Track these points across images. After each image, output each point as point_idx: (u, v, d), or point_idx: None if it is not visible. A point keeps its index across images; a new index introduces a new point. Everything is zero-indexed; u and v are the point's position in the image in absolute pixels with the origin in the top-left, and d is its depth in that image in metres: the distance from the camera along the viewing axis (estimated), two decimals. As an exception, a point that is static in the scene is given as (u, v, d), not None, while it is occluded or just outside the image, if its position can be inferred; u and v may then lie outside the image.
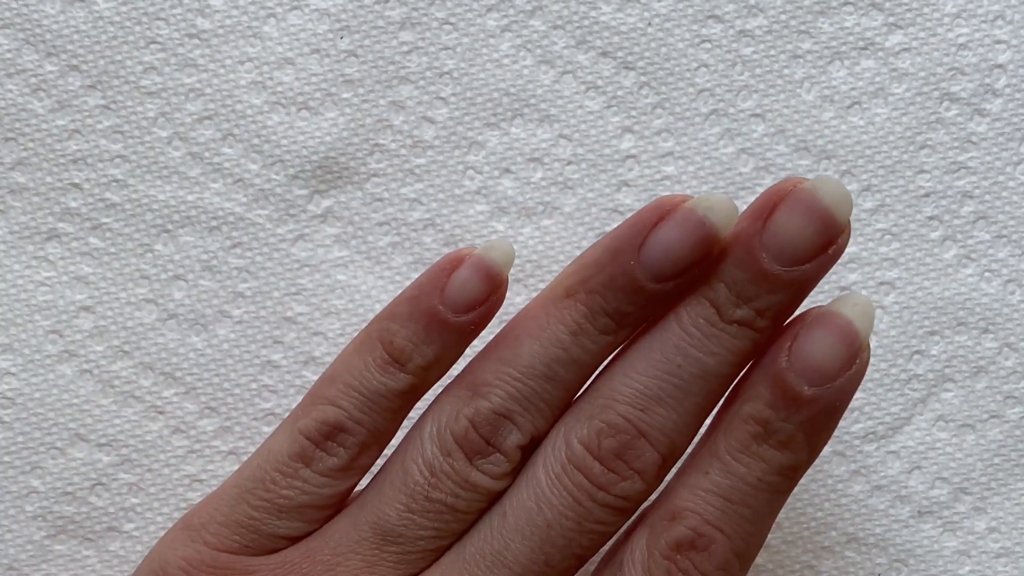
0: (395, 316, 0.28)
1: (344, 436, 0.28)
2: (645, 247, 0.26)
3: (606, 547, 0.28)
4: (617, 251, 0.27)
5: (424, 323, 0.28)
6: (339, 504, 0.28)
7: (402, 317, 0.28)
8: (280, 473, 0.28)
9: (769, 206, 0.26)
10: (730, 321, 0.26)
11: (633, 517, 0.28)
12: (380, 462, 0.29)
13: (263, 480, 0.28)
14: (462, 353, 0.28)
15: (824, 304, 0.27)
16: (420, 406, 0.29)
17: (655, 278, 0.26)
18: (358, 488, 0.29)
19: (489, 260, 0.28)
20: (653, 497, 0.28)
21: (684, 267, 0.26)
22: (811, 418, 0.26)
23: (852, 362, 0.26)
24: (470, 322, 0.28)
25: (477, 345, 0.29)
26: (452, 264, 0.28)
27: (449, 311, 0.27)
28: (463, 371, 0.28)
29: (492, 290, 0.28)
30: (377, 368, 0.28)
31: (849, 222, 0.26)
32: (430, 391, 0.29)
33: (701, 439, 0.28)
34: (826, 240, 0.26)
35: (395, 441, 0.29)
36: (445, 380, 0.29)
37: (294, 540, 0.28)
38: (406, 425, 0.29)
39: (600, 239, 0.28)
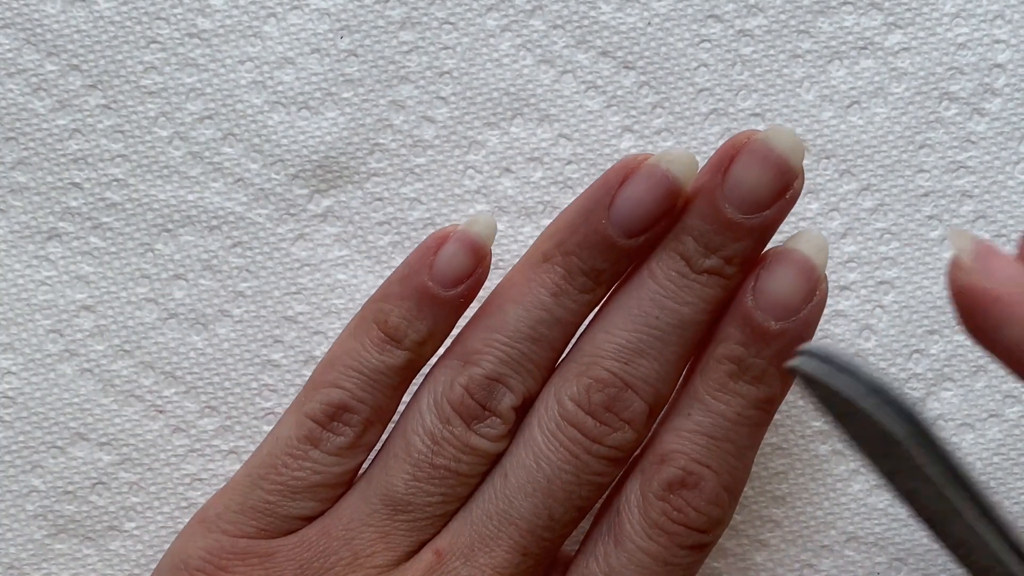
0: (387, 296, 0.29)
1: (349, 415, 0.29)
2: (614, 204, 0.28)
3: (602, 499, 0.29)
4: (588, 211, 0.28)
5: (416, 300, 0.29)
6: (349, 482, 0.29)
7: (394, 296, 0.29)
8: (290, 456, 0.29)
9: (727, 159, 0.27)
10: (700, 271, 0.28)
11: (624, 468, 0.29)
12: (384, 439, 0.30)
13: (275, 465, 0.29)
14: (454, 325, 0.29)
15: (780, 244, 0.28)
16: (415, 383, 0.30)
17: (626, 233, 0.28)
18: (364, 466, 0.30)
19: (473, 234, 0.29)
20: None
21: (652, 220, 0.28)
22: (780, 351, 0.28)
23: (812, 293, 0.28)
24: (459, 295, 0.29)
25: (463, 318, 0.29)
26: (438, 242, 0.29)
27: (439, 286, 0.29)
28: (453, 342, 0.30)
29: (478, 262, 0.29)
30: (375, 347, 0.29)
31: (802, 167, 0.28)
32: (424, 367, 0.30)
33: (680, 384, 0.29)
34: (782, 186, 0.27)
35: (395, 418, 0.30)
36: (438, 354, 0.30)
37: (309, 520, 0.29)
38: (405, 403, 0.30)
39: (571, 203, 0.29)
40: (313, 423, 0.29)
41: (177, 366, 0.33)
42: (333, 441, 0.29)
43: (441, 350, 0.30)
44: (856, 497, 0.33)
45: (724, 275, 0.28)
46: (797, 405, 0.33)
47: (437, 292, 0.29)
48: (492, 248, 0.29)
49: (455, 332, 0.30)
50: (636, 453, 0.29)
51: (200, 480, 0.33)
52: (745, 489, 0.33)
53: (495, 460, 0.29)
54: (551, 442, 0.28)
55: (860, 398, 0.22)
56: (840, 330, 0.33)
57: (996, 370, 0.33)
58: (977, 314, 0.23)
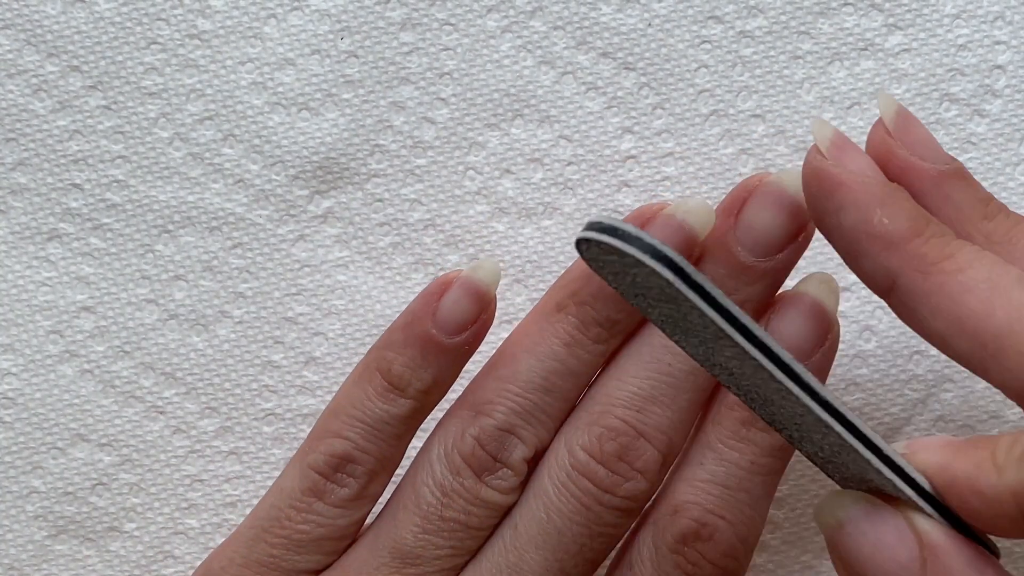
0: (391, 344, 0.29)
1: (353, 466, 0.28)
2: None
3: (613, 553, 0.29)
4: None
5: (419, 348, 0.28)
6: (355, 534, 0.29)
7: (397, 344, 0.28)
8: (294, 509, 0.28)
9: (739, 202, 0.27)
10: None
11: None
12: (390, 489, 0.29)
13: (278, 518, 0.28)
14: (459, 373, 0.29)
15: (790, 288, 0.28)
16: (425, 431, 0.30)
17: None
18: (371, 518, 0.29)
19: (476, 280, 0.28)
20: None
21: None
22: None
23: (824, 337, 0.27)
24: (463, 342, 0.28)
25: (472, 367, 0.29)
26: (441, 288, 0.28)
27: (442, 334, 0.28)
28: (464, 392, 0.29)
29: (482, 309, 0.28)
30: (378, 396, 0.28)
31: None
32: (432, 416, 0.29)
33: (693, 433, 0.29)
34: (796, 229, 0.27)
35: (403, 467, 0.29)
36: (445, 404, 0.29)
37: (315, 573, 0.29)
38: (412, 453, 0.30)
39: None
40: (317, 475, 0.28)
41: (177, 367, 0.33)
42: (337, 493, 0.28)
43: (450, 396, 0.30)
44: (856, 498, 0.33)
45: None
46: (797, 406, 0.33)
47: (441, 340, 0.28)
48: (496, 293, 0.29)
49: (465, 380, 0.30)
50: (648, 505, 0.29)
51: (200, 481, 0.33)
52: (745, 490, 0.33)
53: (506, 512, 0.28)
54: (562, 493, 0.27)
55: (645, 257, 0.21)
56: (840, 331, 0.33)
57: (996, 371, 0.33)
58: (822, 197, 0.24)
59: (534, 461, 0.28)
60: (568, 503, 0.27)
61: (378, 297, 0.34)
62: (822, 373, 0.28)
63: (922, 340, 0.32)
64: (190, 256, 0.34)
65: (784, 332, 0.27)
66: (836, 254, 0.25)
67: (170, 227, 0.34)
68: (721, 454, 0.28)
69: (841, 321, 0.33)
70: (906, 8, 0.33)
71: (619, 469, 0.27)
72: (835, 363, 0.33)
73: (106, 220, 0.33)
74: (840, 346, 0.33)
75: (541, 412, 0.28)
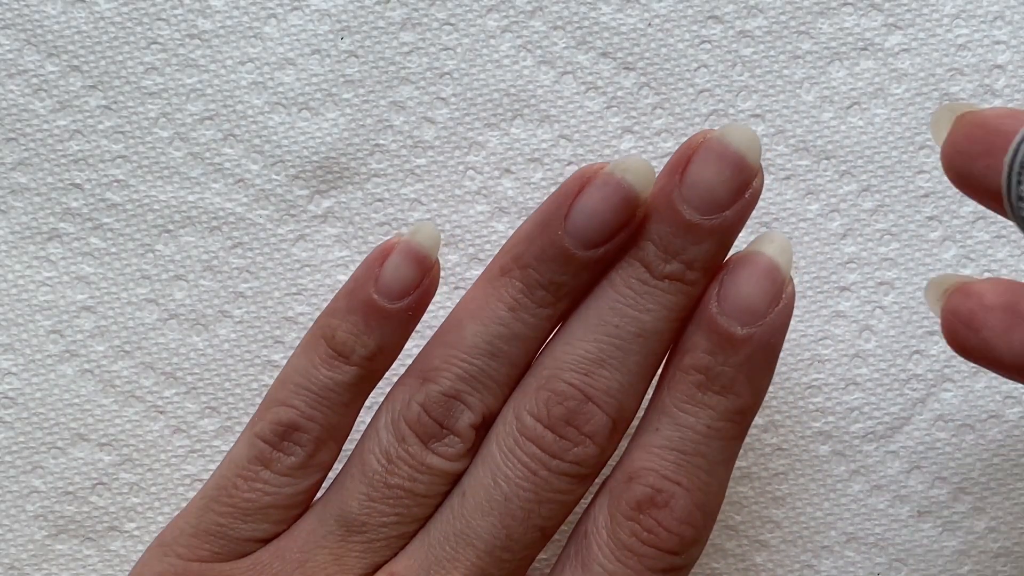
0: (335, 312, 0.28)
1: (299, 434, 0.28)
2: (570, 215, 0.27)
3: (575, 522, 0.29)
4: (545, 223, 0.27)
5: (362, 314, 0.28)
6: (305, 503, 0.29)
7: (341, 311, 0.28)
8: (241, 478, 0.28)
9: (684, 160, 0.27)
10: (661, 277, 0.27)
11: (595, 490, 0.28)
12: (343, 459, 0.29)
13: (226, 487, 0.28)
14: (406, 339, 0.29)
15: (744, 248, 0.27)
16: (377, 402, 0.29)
17: (583, 245, 0.27)
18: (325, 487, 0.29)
19: (416, 244, 0.28)
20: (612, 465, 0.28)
21: (609, 231, 0.27)
22: (749, 358, 0.27)
23: (779, 297, 0.27)
24: (406, 308, 0.28)
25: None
26: (383, 254, 0.28)
27: (384, 299, 0.28)
28: (414, 360, 0.29)
29: (423, 273, 0.28)
30: (323, 364, 0.28)
31: (761, 164, 0.27)
32: (386, 386, 0.29)
33: (649, 400, 0.28)
34: (741, 184, 0.27)
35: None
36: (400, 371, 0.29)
37: (264, 542, 0.28)
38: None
39: (530, 215, 0.28)
40: (263, 443, 0.28)
41: (178, 367, 0.33)
42: (283, 461, 0.28)
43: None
44: (856, 498, 0.33)
45: (686, 281, 0.27)
46: (797, 406, 0.33)
47: (383, 305, 0.28)
48: (439, 257, 0.29)
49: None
50: (607, 473, 0.28)
51: (200, 481, 0.33)
52: (745, 490, 0.33)
53: (455, 480, 0.28)
54: (509, 459, 0.27)
55: None
56: (840, 331, 0.33)
57: (996, 371, 0.33)
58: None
59: (484, 428, 0.28)
60: (515, 469, 0.27)
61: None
62: (778, 333, 0.27)
63: (922, 340, 0.32)
64: (190, 256, 0.34)
65: (736, 292, 0.27)
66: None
67: (170, 227, 0.34)
68: (676, 419, 0.27)
69: (841, 321, 0.33)
70: (906, 8, 0.33)
71: (567, 434, 0.27)
72: (835, 362, 0.33)
73: (106, 220, 0.33)
74: (840, 346, 0.33)
75: (488, 378, 0.28)
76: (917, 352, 0.33)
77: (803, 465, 0.33)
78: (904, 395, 0.33)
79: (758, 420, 0.33)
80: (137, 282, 0.34)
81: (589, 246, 0.27)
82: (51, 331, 0.33)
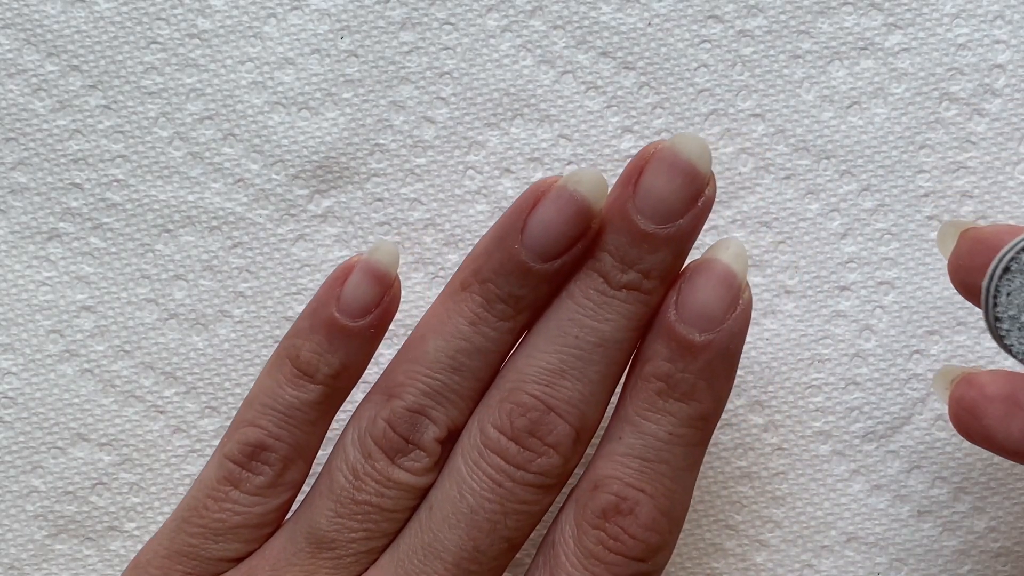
0: (299, 332, 0.29)
1: (267, 454, 0.29)
2: (526, 229, 0.27)
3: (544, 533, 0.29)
4: (502, 238, 0.28)
5: (325, 333, 0.28)
6: (276, 522, 0.29)
7: (305, 331, 0.29)
8: (211, 499, 0.29)
9: (636, 171, 0.27)
10: (618, 287, 0.27)
11: (563, 502, 0.28)
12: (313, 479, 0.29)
13: (196, 508, 0.29)
14: (370, 356, 0.29)
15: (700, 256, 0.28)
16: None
17: (540, 257, 0.27)
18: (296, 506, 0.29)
19: (375, 262, 0.29)
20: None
21: (565, 243, 0.27)
22: (708, 364, 0.27)
23: (735, 303, 0.27)
24: (368, 325, 0.28)
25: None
26: (344, 273, 0.29)
27: (346, 317, 0.28)
28: (379, 378, 0.29)
29: (383, 291, 0.29)
30: (288, 383, 0.29)
31: (712, 172, 0.27)
32: (353, 404, 0.29)
33: (614, 409, 0.28)
34: (693, 192, 0.27)
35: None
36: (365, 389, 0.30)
37: (236, 561, 0.29)
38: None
39: (489, 229, 0.29)
40: (232, 464, 0.29)
41: (177, 367, 0.33)
42: (252, 481, 0.28)
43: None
44: (856, 497, 0.33)
45: (643, 290, 0.27)
46: (797, 406, 0.33)
47: (345, 323, 0.28)
48: (399, 275, 0.29)
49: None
50: (574, 484, 0.29)
51: (200, 480, 0.33)
52: (745, 489, 0.33)
53: (423, 494, 0.28)
54: (474, 471, 0.27)
55: None
56: (840, 330, 0.33)
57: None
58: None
59: (449, 442, 0.28)
60: (480, 481, 0.27)
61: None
62: (736, 339, 0.27)
63: (922, 339, 0.32)
64: (190, 256, 0.34)
65: (694, 299, 0.27)
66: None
67: (170, 227, 0.34)
68: (638, 426, 0.27)
69: (841, 321, 0.33)
70: (906, 7, 0.33)
71: (530, 445, 0.27)
72: (835, 362, 0.33)
73: (106, 220, 0.33)
74: (840, 345, 0.33)
75: (451, 392, 0.28)
76: (917, 352, 0.33)
77: (803, 465, 0.33)
78: (904, 395, 0.33)
79: (758, 420, 0.33)
80: (137, 282, 0.34)
81: (546, 259, 0.27)
82: (51, 331, 0.33)
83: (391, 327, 0.30)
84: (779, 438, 0.33)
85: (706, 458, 0.33)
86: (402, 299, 0.34)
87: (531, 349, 0.28)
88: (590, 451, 0.29)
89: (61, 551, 0.33)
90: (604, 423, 0.29)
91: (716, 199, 0.28)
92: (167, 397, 0.33)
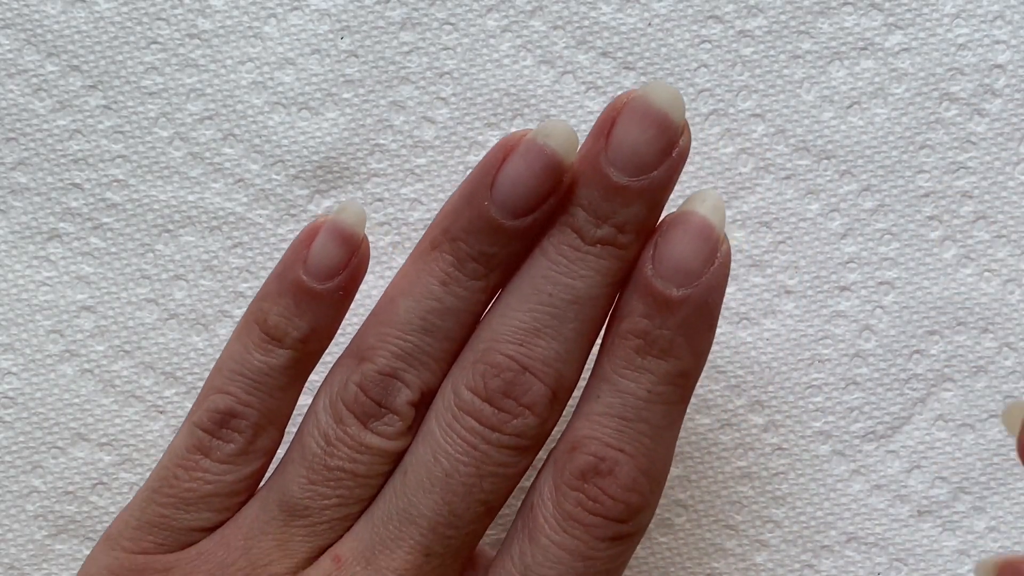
0: (266, 296, 0.28)
1: (237, 421, 0.28)
2: (495, 185, 0.27)
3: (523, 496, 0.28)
4: (471, 195, 0.27)
5: (292, 296, 0.28)
6: (248, 490, 0.28)
7: (272, 295, 0.28)
8: (181, 468, 0.28)
9: (608, 122, 0.26)
10: (592, 242, 0.27)
11: (541, 464, 0.28)
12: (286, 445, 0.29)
13: (167, 478, 0.28)
14: (340, 320, 0.28)
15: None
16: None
17: (511, 214, 0.27)
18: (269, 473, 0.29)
19: (341, 223, 0.28)
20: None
21: (536, 199, 0.26)
22: (686, 319, 0.26)
23: (713, 256, 0.26)
24: (336, 288, 0.28)
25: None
26: (310, 235, 0.28)
27: (313, 280, 0.28)
28: (350, 342, 0.28)
29: (351, 252, 0.28)
30: (257, 348, 0.28)
31: (686, 122, 0.26)
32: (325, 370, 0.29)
33: (592, 368, 0.28)
34: (666, 142, 0.26)
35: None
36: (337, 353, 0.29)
37: (208, 531, 0.28)
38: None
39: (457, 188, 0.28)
40: (202, 432, 0.28)
41: (178, 367, 0.33)
42: (223, 449, 0.28)
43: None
44: (856, 497, 0.33)
45: (618, 244, 0.26)
46: (797, 406, 0.33)
47: (312, 286, 0.28)
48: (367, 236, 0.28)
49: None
50: (552, 445, 0.28)
51: (200, 481, 0.33)
52: (745, 489, 0.33)
53: (397, 459, 0.28)
54: (448, 434, 0.27)
55: None
56: (840, 330, 0.33)
57: (996, 370, 0.33)
58: None
59: (423, 405, 0.28)
60: (455, 444, 0.27)
61: (378, 297, 0.34)
62: (715, 292, 0.26)
63: (922, 339, 0.32)
64: (190, 256, 0.34)
65: (670, 253, 0.26)
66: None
67: (170, 227, 0.34)
68: (616, 385, 0.27)
69: (841, 321, 0.33)
70: (906, 7, 0.33)
71: (505, 406, 0.27)
72: (835, 362, 0.33)
73: (106, 220, 0.33)
74: (840, 345, 0.33)
75: (424, 354, 0.27)
76: (917, 352, 0.33)
77: (803, 465, 0.33)
78: (904, 395, 0.33)
79: (758, 420, 0.33)
80: (137, 282, 0.34)
81: (516, 215, 0.27)
82: (51, 331, 0.33)
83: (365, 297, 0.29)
84: (779, 438, 0.33)
85: (706, 458, 0.33)
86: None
87: (504, 308, 0.27)
88: (568, 412, 0.28)
89: (61, 551, 0.33)
90: (582, 383, 0.28)
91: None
92: (167, 397, 0.33)
